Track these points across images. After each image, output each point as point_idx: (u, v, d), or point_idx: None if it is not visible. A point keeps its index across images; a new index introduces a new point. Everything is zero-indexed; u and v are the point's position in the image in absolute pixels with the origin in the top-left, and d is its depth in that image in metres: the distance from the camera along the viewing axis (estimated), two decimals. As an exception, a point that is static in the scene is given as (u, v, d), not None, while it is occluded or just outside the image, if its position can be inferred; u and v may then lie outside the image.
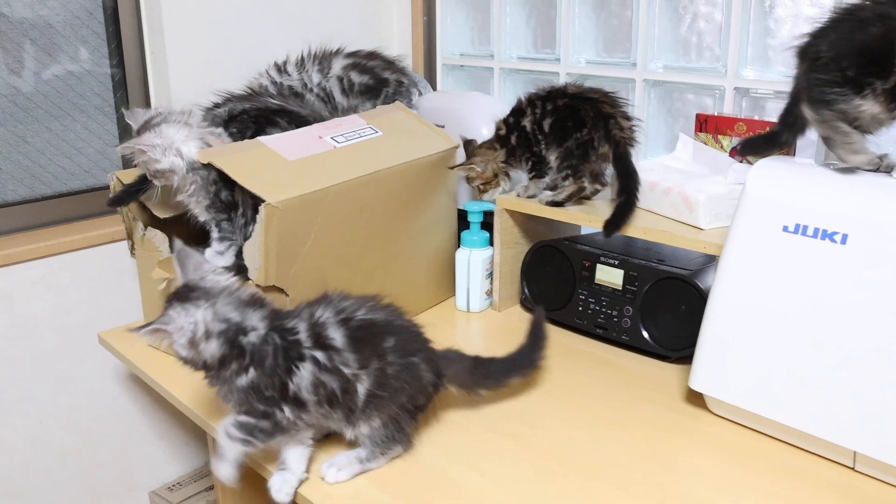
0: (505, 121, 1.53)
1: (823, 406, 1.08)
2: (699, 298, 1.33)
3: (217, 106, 1.51)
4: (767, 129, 1.36)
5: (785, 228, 1.11)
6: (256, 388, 1.02)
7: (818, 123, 1.12)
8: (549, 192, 1.52)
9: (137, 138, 1.30)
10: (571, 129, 1.43)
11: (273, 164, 1.32)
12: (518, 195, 1.57)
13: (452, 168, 1.57)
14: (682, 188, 1.37)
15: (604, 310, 1.47)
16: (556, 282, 1.55)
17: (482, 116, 1.75)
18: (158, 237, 1.41)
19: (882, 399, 1.02)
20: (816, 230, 1.08)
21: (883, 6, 1.01)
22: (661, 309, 1.40)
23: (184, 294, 1.05)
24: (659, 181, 1.41)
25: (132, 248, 1.49)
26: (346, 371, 1.04)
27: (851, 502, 1.03)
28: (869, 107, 1.03)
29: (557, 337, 1.52)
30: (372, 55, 1.72)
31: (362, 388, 1.05)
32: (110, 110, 1.81)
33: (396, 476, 1.09)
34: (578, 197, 1.48)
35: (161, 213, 1.42)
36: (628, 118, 1.42)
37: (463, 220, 1.66)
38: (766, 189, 1.14)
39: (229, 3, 1.81)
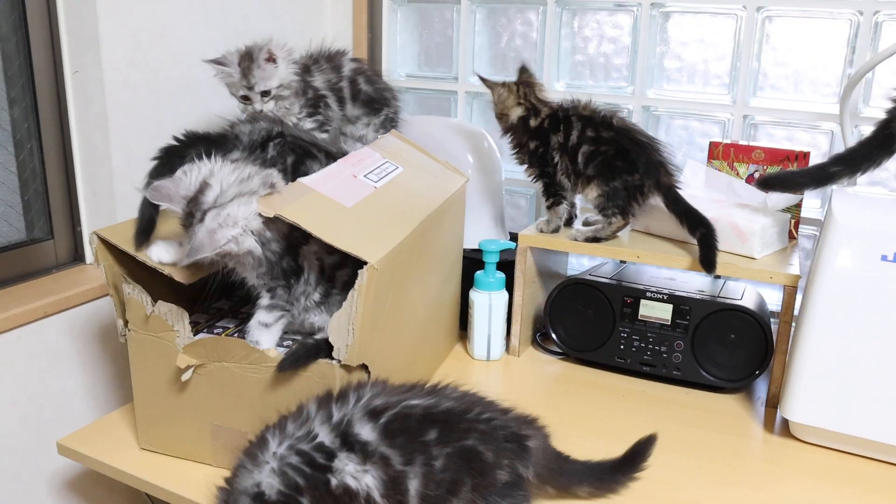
0: (548, 111, 1.51)
1: (932, 424, 1.19)
2: (754, 327, 1.41)
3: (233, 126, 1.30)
4: (802, 165, 1.47)
5: (884, 258, 1.20)
6: None
7: None
8: (585, 228, 1.51)
9: (206, 240, 1.06)
10: (621, 169, 1.43)
11: (338, 214, 1.16)
12: (541, 230, 1.54)
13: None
14: (730, 219, 1.43)
15: (650, 346, 1.48)
16: (587, 320, 1.53)
17: (466, 146, 1.70)
18: (174, 313, 1.17)
19: None
20: (917, 258, 1.19)
21: None
22: (711, 340, 1.44)
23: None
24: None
25: (124, 329, 1.23)
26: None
27: None
28: None
29: (599, 378, 1.51)
30: (375, 71, 1.60)
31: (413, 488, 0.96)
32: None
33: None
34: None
35: (185, 279, 1.19)
36: (672, 163, 1.46)
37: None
38: (860, 220, 1.22)
39: (174, 17, 1.58)
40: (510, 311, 1.57)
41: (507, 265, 1.56)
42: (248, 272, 1.18)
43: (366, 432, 0.96)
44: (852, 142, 1.49)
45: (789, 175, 1.38)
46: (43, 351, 1.43)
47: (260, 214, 1.10)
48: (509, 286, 1.56)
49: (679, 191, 1.44)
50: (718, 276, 1.63)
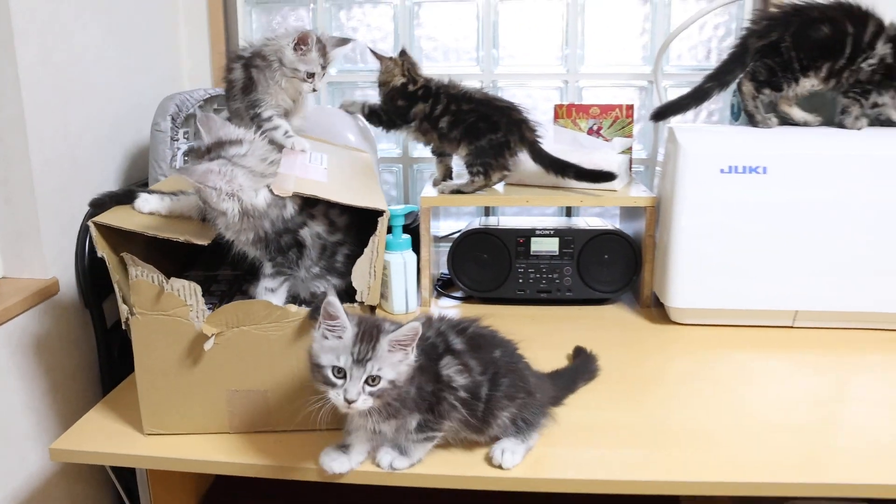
0: (423, 82, 1.85)
1: (771, 286, 1.70)
2: (624, 245, 1.85)
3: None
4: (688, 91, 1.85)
5: (722, 171, 1.69)
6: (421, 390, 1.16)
7: (751, 98, 1.73)
8: (452, 182, 1.87)
9: (201, 171, 1.21)
10: (484, 130, 1.79)
11: (327, 187, 1.37)
12: (442, 192, 1.85)
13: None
14: (592, 162, 1.85)
15: (544, 276, 1.86)
16: (486, 264, 1.87)
17: (344, 127, 1.95)
18: (186, 288, 1.30)
19: (810, 271, 1.69)
20: (745, 167, 1.69)
21: (828, 9, 1.67)
22: (592, 262, 1.86)
23: None
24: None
25: (129, 314, 1.31)
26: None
27: (795, 346, 1.66)
28: (808, 84, 1.71)
29: (508, 311, 1.85)
30: None
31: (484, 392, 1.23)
32: None
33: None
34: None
35: (202, 240, 1.31)
36: (532, 120, 1.84)
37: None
38: (700, 146, 1.70)
39: (71, 16, 1.63)
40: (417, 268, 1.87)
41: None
42: (248, 246, 1.35)
43: (458, 343, 1.20)
44: (665, 93, 2.01)
45: (676, 102, 1.81)
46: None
47: (274, 195, 1.29)
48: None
49: (541, 144, 1.83)
50: (570, 215, 2.09)
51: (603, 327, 1.77)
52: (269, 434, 1.33)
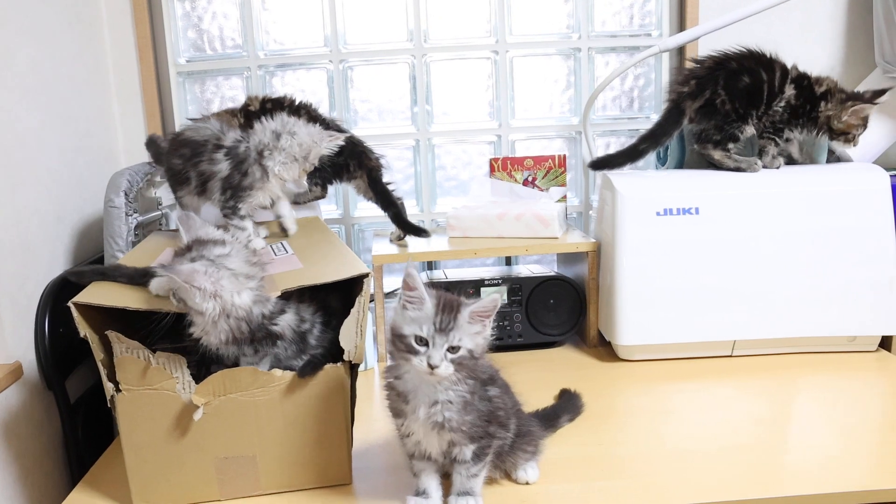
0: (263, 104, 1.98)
1: (711, 319, 1.91)
2: (568, 289, 2.04)
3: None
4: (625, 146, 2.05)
5: (658, 213, 1.91)
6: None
7: (727, 160, 1.95)
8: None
9: (186, 272, 1.28)
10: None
11: (305, 271, 1.51)
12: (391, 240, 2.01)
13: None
14: (532, 211, 2.04)
15: (495, 323, 2.03)
16: (439, 317, 2.02)
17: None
18: (172, 361, 1.39)
19: (745, 302, 1.91)
20: (679, 209, 1.90)
21: (743, 59, 1.90)
22: (539, 308, 2.04)
23: None
24: (505, 212, 2.04)
25: (115, 391, 1.39)
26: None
27: (736, 373, 1.86)
28: (750, 129, 1.93)
29: (462, 360, 2.01)
30: None
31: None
32: None
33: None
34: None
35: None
36: (374, 153, 2.03)
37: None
38: (636, 191, 1.91)
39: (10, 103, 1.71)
40: (371, 324, 2.00)
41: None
42: (221, 346, 1.40)
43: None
44: (594, 142, 2.23)
45: (612, 157, 1.99)
46: None
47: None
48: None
49: (381, 173, 2.02)
50: (509, 263, 2.27)
51: (555, 369, 1.93)
52: (260, 498, 1.42)
